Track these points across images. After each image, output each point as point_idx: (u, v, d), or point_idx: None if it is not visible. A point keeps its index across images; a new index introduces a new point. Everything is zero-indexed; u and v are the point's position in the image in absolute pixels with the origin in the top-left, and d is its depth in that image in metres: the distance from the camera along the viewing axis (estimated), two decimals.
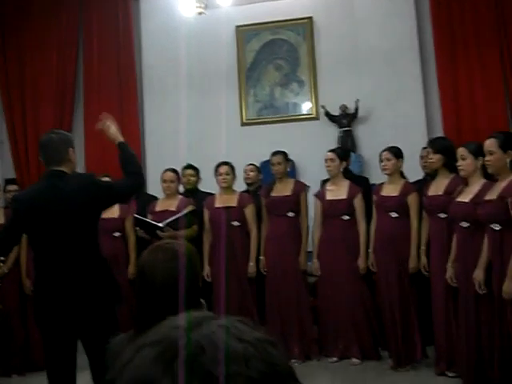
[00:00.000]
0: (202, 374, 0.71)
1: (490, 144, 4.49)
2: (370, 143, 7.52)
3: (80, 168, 7.23)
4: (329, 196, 6.03)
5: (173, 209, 5.98)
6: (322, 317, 6.07)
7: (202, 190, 6.76)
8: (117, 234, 6.23)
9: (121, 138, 4.00)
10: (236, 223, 6.11)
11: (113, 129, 4.02)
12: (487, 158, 4.50)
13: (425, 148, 5.71)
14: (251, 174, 6.96)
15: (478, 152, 4.68)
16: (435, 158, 5.32)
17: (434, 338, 5.35)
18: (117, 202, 4.62)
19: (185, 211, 5.75)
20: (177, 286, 2.03)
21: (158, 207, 6.16)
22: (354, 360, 5.85)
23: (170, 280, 2.10)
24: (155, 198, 6.47)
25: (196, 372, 0.71)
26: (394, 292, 5.60)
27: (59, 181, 3.73)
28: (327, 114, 7.97)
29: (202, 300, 2.23)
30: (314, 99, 8.22)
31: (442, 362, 5.27)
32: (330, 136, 7.85)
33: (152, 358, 0.74)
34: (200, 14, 6.89)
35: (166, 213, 5.89)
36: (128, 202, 6.15)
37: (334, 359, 5.91)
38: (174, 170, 6.27)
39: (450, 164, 5.17)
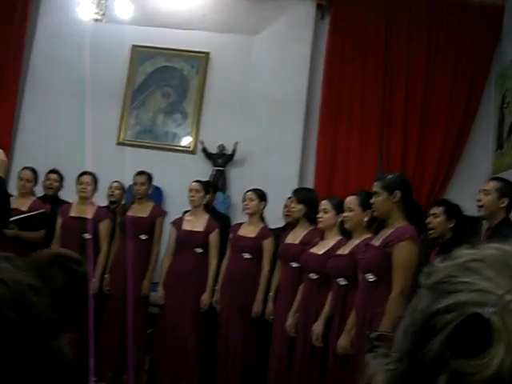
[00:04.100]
0: None
1: (350, 201, 4.56)
2: (241, 187, 7.42)
3: None
4: (185, 226, 5.89)
5: (24, 208, 5.70)
6: (156, 348, 5.85)
7: (63, 198, 6.50)
8: None
9: None
10: (87, 236, 5.84)
11: None
12: (346, 213, 4.55)
13: (289, 198, 5.75)
14: (116, 191, 6.69)
15: (340, 208, 4.72)
16: (297, 208, 5.35)
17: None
18: None
19: (34, 212, 5.49)
20: None
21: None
22: None
23: None
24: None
25: None
26: (233, 332, 5.52)
27: None
28: (204, 151, 7.93)
29: None
30: (194, 133, 8.16)
31: None
32: (204, 172, 7.74)
33: None
34: (96, 20, 6.74)
35: (16, 211, 5.58)
36: None
37: None
38: (32, 170, 6.04)
39: (311, 215, 5.19)
